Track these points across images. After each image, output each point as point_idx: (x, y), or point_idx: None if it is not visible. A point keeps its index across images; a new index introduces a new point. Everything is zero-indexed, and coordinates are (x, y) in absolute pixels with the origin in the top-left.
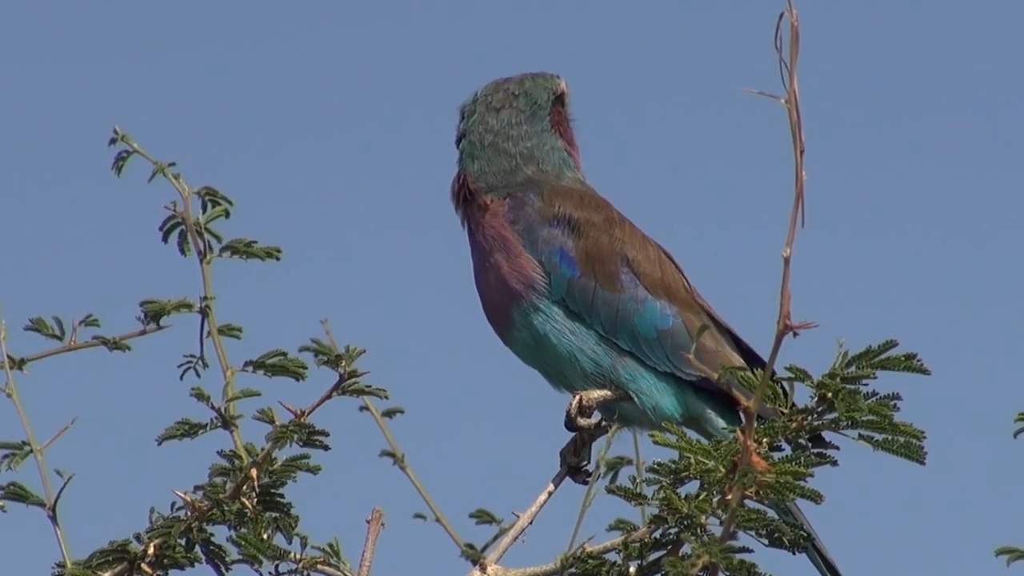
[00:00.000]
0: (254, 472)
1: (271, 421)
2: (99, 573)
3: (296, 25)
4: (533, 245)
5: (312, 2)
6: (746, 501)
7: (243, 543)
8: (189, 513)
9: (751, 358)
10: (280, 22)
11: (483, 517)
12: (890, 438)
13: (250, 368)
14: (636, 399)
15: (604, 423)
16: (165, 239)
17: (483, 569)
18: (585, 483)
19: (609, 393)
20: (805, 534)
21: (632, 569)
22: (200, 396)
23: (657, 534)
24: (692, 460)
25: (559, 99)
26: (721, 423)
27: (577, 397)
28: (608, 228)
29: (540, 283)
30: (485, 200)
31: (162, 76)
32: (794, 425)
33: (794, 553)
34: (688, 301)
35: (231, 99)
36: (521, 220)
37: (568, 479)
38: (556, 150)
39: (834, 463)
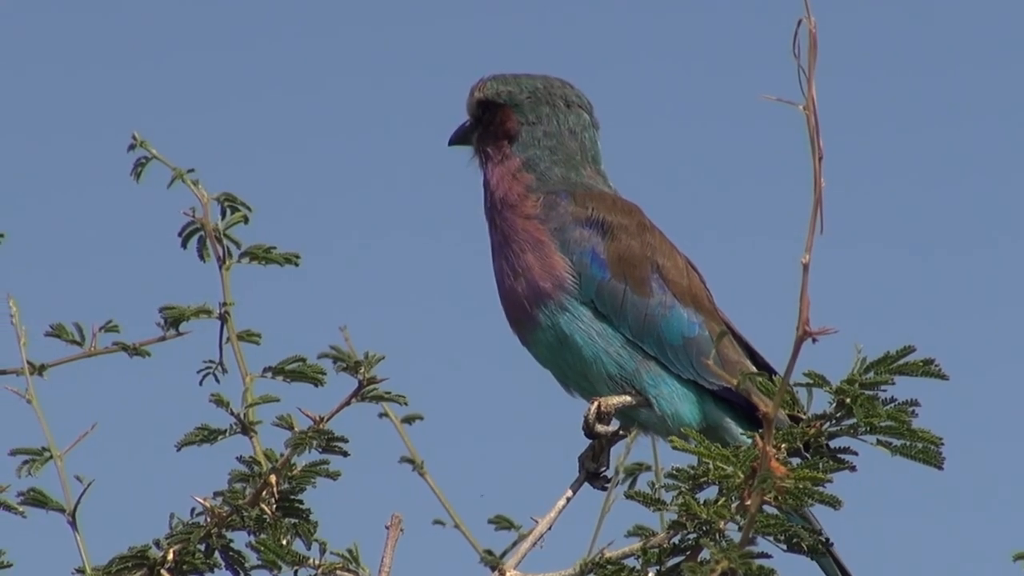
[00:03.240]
0: (273, 478)
1: (290, 427)
2: None
3: (313, 29)
4: (565, 245)
5: (331, 6)
6: (764, 506)
7: (262, 549)
8: (209, 519)
9: (768, 372)
10: (297, 26)
11: (502, 523)
12: (908, 444)
13: (269, 374)
14: (656, 405)
15: (622, 430)
16: (184, 245)
17: (502, 575)
18: (604, 489)
19: (628, 399)
20: (824, 539)
21: (651, 574)
22: (219, 402)
23: (676, 539)
24: (711, 465)
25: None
26: (739, 434)
27: (595, 403)
28: (640, 233)
29: (570, 283)
30: (529, 200)
31: (181, 82)
32: (812, 431)
33: (812, 558)
34: (712, 312)
35: (250, 105)
36: (553, 220)
37: (587, 485)
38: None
39: (852, 468)
